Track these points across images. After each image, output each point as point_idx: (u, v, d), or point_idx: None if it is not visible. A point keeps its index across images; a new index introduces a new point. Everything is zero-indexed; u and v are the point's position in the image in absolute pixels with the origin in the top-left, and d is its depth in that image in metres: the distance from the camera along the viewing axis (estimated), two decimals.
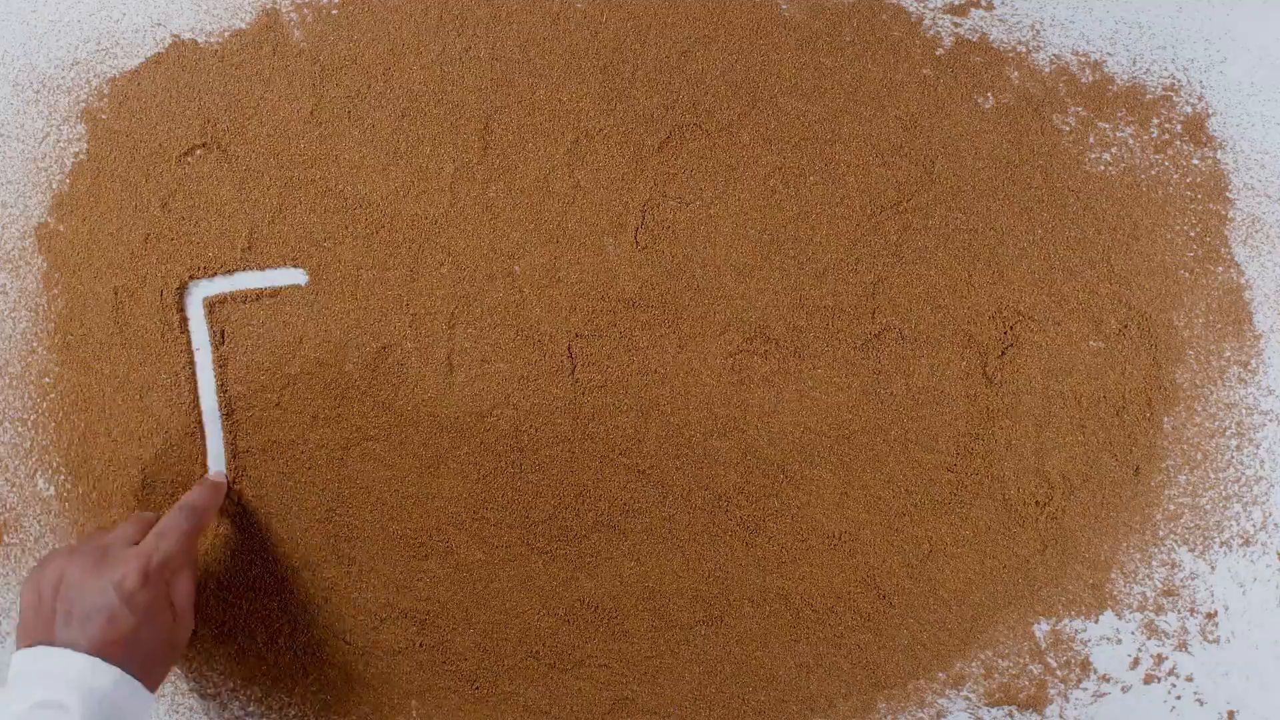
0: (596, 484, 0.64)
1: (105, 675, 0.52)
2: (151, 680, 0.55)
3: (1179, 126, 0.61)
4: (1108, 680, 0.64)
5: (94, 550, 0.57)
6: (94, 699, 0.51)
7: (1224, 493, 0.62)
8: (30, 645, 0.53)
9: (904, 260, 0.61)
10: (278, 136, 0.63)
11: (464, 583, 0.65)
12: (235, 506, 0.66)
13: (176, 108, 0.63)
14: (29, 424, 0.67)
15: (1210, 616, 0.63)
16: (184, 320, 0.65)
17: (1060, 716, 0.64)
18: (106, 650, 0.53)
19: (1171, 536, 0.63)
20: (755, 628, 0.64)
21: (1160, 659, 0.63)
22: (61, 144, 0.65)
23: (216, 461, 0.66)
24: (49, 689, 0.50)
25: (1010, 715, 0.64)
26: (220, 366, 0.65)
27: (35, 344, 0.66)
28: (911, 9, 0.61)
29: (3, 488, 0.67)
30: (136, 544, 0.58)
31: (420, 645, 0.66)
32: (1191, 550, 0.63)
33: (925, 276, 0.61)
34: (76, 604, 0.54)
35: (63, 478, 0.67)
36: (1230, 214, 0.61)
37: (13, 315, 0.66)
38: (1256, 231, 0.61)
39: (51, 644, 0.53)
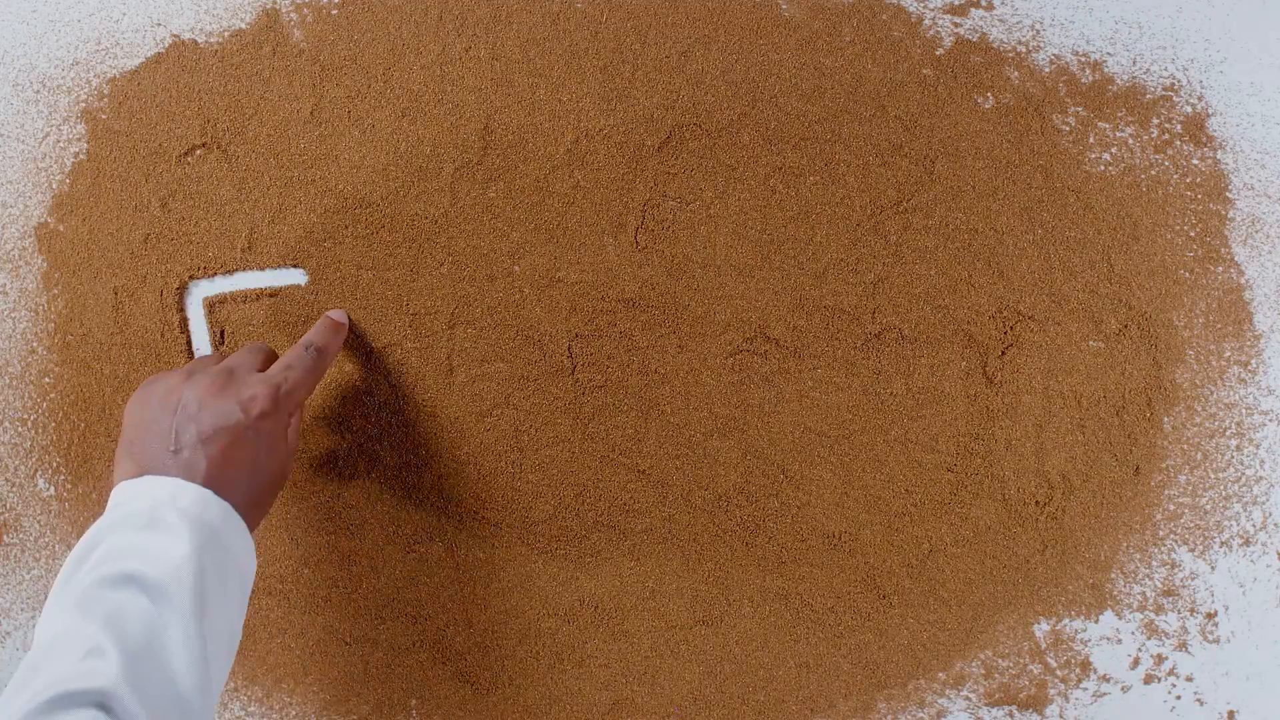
0: (596, 484, 0.64)
1: (215, 508, 0.49)
2: (253, 518, 0.52)
3: (1179, 126, 0.61)
4: (1108, 680, 0.64)
5: (218, 371, 0.54)
6: (204, 530, 0.48)
7: (1224, 493, 0.62)
8: (135, 475, 0.50)
9: (904, 260, 0.61)
10: (278, 136, 0.63)
11: (464, 583, 0.65)
12: None
13: (176, 108, 0.63)
14: (29, 424, 0.67)
15: (1210, 616, 0.63)
16: (184, 320, 0.65)
17: (1060, 716, 0.64)
18: (223, 475, 0.50)
19: (1171, 536, 0.63)
20: (755, 628, 0.64)
21: (1160, 659, 0.63)
22: (61, 144, 0.65)
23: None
24: (156, 516, 0.47)
25: (1010, 715, 0.64)
26: None
27: (35, 344, 0.66)
28: (911, 9, 0.61)
29: (3, 488, 0.67)
30: (259, 372, 0.56)
31: (420, 644, 0.66)
32: (1191, 550, 0.63)
33: (925, 276, 0.61)
34: (198, 423, 0.51)
35: (63, 478, 0.67)
36: (1230, 214, 0.61)
37: (13, 315, 0.66)
38: (1256, 231, 0.61)
39: (158, 473, 0.50)
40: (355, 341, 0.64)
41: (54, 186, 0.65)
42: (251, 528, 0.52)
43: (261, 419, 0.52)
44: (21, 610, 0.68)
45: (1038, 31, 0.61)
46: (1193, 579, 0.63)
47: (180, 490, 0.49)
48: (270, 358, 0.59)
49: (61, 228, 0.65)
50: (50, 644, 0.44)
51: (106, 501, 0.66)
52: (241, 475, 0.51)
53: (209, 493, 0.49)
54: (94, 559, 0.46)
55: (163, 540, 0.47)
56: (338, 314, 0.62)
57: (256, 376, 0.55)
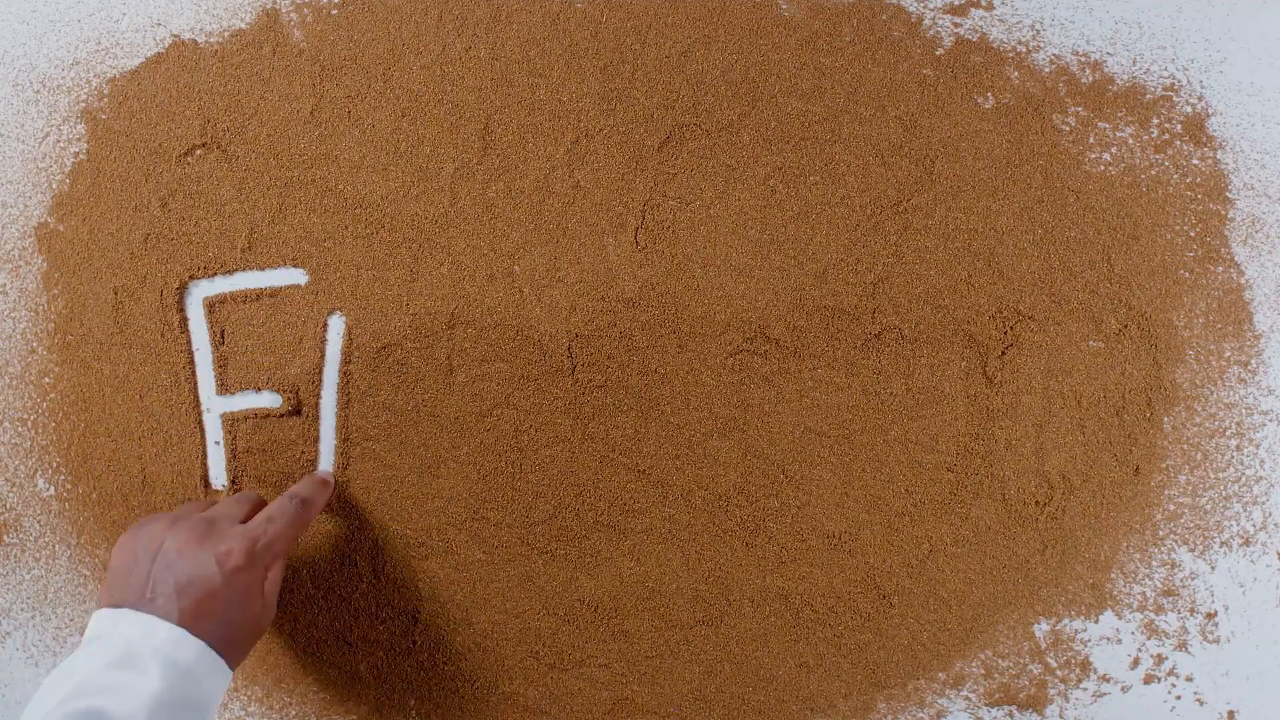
0: (596, 484, 0.64)
1: (189, 648, 0.50)
2: (231, 657, 0.53)
3: (1179, 126, 0.61)
4: (1108, 680, 0.64)
5: (199, 522, 0.55)
6: (175, 670, 0.49)
7: (1224, 493, 0.62)
8: (115, 606, 0.52)
9: (904, 260, 0.61)
10: (278, 136, 0.63)
11: (464, 583, 0.65)
12: None
13: (176, 108, 0.63)
14: (29, 424, 0.67)
15: (1210, 616, 0.63)
16: (184, 320, 0.65)
17: (1060, 716, 0.64)
18: (195, 624, 0.51)
19: (1171, 536, 0.63)
20: (755, 628, 0.64)
21: (1160, 659, 0.63)
22: (61, 144, 0.65)
23: (216, 463, 0.66)
24: (130, 652, 0.49)
25: (1010, 715, 0.64)
26: (220, 366, 0.65)
27: (35, 344, 0.66)
28: (911, 9, 0.61)
29: (3, 488, 0.67)
30: (242, 523, 0.57)
31: (420, 645, 0.66)
32: (1191, 550, 0.63)
33: (925, 276, 0.61)
34: (174, 571, 0.52)
35: (63, 478, 0.67)
36: (1230, 214, 0.61)
37: (13, 315, 0.66)
38: (1256, 231, 0.61)
39: (138, 609, 0.51)
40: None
41: (54, 186, 0.65)
42: (232, 666, 0.53)
43: (235, 573, 0.54)
44: (21, 610, 0.68)
45: (1038, 31, 0.61)
46: (1193, 579, 0.63)
47: (155, 628, 0.51)
48: (258, 506, 0.60)
49: (61, 228, 0.65)
50: None
51: (106, 501, 0.66)
52: (213, 625, 0.53)
53: (182, 632, 0.51)
54: (65, 690, 0.48)
55: (134, 680, 0.48)
56: (323, 473, 0.64)
57: (237, 529, 0.56)
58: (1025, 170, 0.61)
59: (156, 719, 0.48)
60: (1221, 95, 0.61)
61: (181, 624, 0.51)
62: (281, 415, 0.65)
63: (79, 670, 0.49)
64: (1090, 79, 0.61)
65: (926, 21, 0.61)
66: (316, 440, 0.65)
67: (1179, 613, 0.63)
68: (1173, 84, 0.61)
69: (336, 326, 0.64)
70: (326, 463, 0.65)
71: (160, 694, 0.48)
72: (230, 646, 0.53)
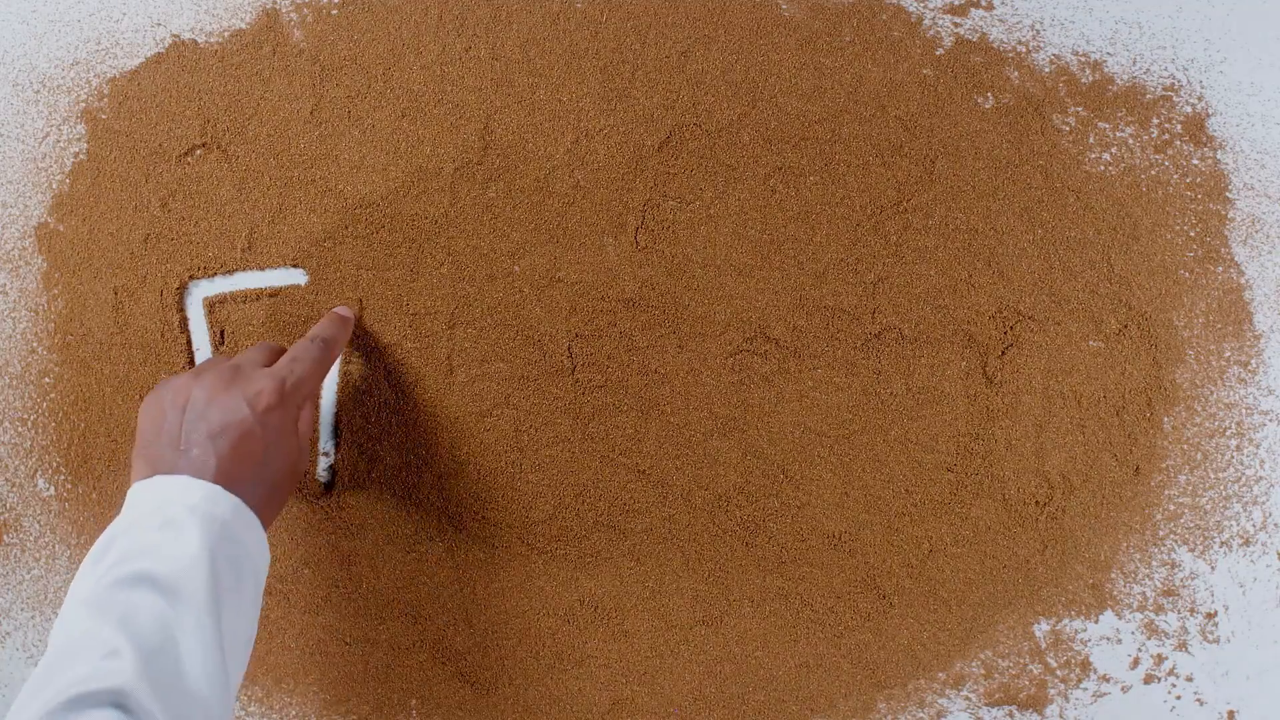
0: (596, 484, 0.64)
1: (224, 503, 0.49)
2: (267, 513, 0.52)
3: (1179, 126, 0.61)
4: (1108, 680, 0.64)
5: (225, 369, 0.54)
6: (214, 525, 0.48)
7: (1224, 493, 0.62)
8: (148, 476, 0.50)
9: (904, 260, 0.61)
10: (278, 136, 0.63)
11: (464, 583, 0.65)
12: None
13: (176, 108, 0.63)
14: (29, 424, 0.67)
15: (1210, 616, 0.63)
16: (184, 320, 0.65)
17: (1060, 716, 0.64)
18: (233, 470, 0.50)
19: (1171, 536, 0.63)
20: (755, 628, 0.64)
21: (1160, 659, 0.63)
22: (61, 144, 0.65)
23: None
24: (167, 513, 0.48)
25: (1010, 715, 0.64)
26: None
27: (35, 344, 0.66)
28: (911, 9, 0.61)
29: (3, 488, 0.67)
30: (268, 366, 0.56)
31: (420, 644, 0.66)
32: (1191, 550, 0.63)
33: (925, 276, 0.61)
34: (206, 420, 0.51)
35: (63, 478, 0.67)
36: (1230, 214, 0.61)
37: (13, 315, 0.66)
38: (1256, 231, 0.61)
39: (171, 473, 0.50)
40: (359, 339, 0.64)
41: (54, 186, 0.65)
42: (266, 523, 0.52)
43: (268, 413, 0.52)
44: (21, 610, 0.68)
45: (1038, 31, 0.61)
46: (1193, 579, 0.63)
47: (189, 488, 0.49)
48: (278, 354, 0.59)
49: (61, 228, 0.65)
50: (66, 646, 0.44)
51: (107, 501, 0.66)
52: (252, 470, 0.51)
53: (217, 488, 0.49)
54: (108, 560, 0.47)
55: (174, 538, 0.47)
56: (343, 309, 0.62)
57: (262, 371, 0.55)
58: (1025, 170, 0.61)
59: (210, 572, 0.46)
60: (1221, 95, 0.61)
61: (219, 473, 0.50)
62: None
63: (119, 538, 0.48)
64: (1090, 79, 0.61)
65: (926, 21, 0.61)
66: (317, 440, 0.65)
67: (1179, 613, 0.63)
68: (1173, 84, 0.61)
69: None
70: (324, 464, 0.65)
71: (204, 549, 0.47)
72: (268, 497, 0.52)
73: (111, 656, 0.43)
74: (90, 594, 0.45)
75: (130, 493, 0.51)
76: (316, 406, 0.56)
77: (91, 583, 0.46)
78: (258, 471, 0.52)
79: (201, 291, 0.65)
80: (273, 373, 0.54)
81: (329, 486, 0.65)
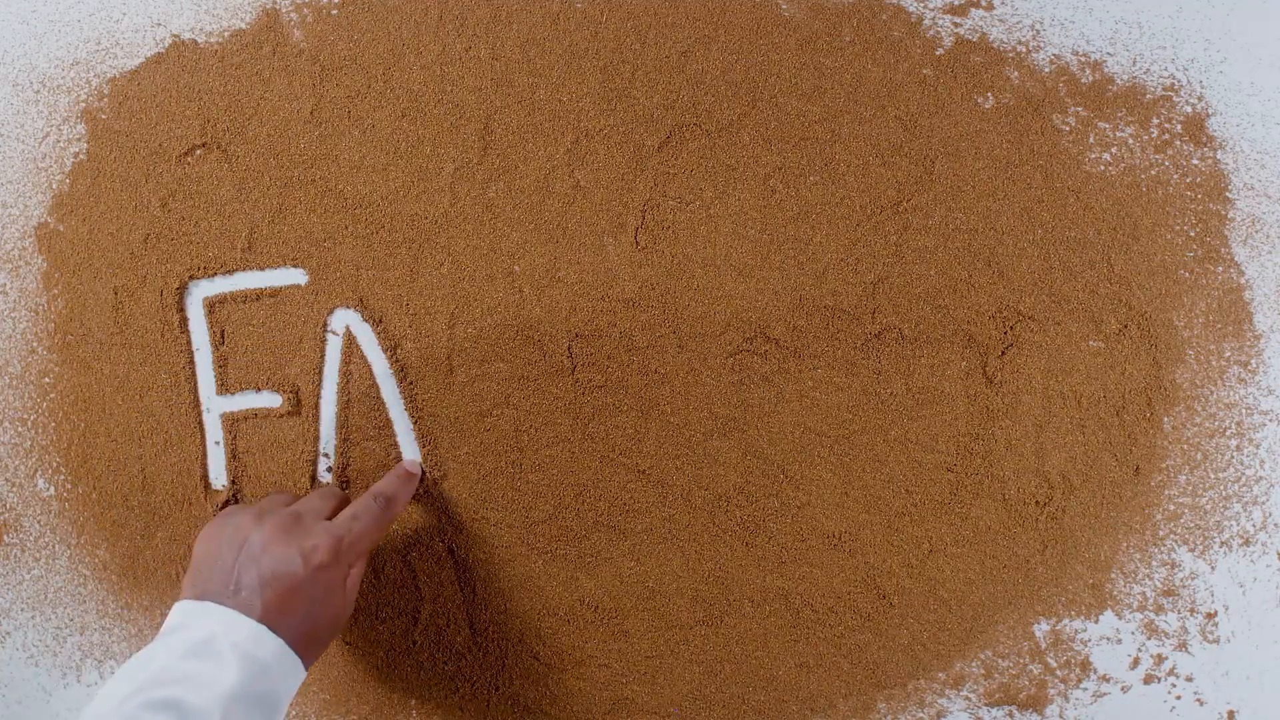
0: (596, 484, 0.64)
1: (269, 645, 0.50)
2: (306, 660, 0.53)
3: (1179, 126, 0.61)
4: (1108, 680, 0.64)
5: (286, 517, 0.55)
6: (254, 665, 0.49)
7: (1224, 493, 0.62)
8: (198, 599, 0.52)
9: (904, 260, 0.61)
10: (278, 136, 0.63)
11: (464, 582, 0.65)
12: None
13: (176, 108, 0.63)
14: (29, 424, 0.67)
15: (1210, 616, 0.63)
16: (184, 320, 0.65)
17: (1060, 716, 0.64)
18: (277, 619, 0.51)
19: (1171, 536, 0.63)
20: (755, 628, 0.64)
21: (1160, 659, 0.63)
22: (61, 144, 0.65)
23: (216, 463, 0.66)
24: (210, 644, 0.49)
25: (1010, 715, 0.64)
26: (220, 366, 0.65)
27: (35, 344, 0.66)
28: (911, 9, 0.61)
29: (3, 488, 0.68)
30: (327, 519, 0.57)
31: (420, 644, 0.66)
32: (1191, 550, 0.63)
33: (925, 276, 0.61)
34: (258, 565, 0.52)
35: (63, 478, 0.67)
36: (1230, 214, 0.61)
37: (13, 315, 0.66)
38: (1256, 231, 0.61)
39: (220, 602, 0.51)
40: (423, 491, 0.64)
41: (54, 186, 0.65)
42: (308, 664, 0.53)
43: (320, 570, 0.53)
44: (21, 610, 0.68)
45: (1038, 31, 0.61)
46: (1193, 579, 0.63)
47: (236, 624, 0.50)
48: (343, 502, 0.60)
49: (61, 228, 0.65)
50: None
51: (106, 501, 0.66)
52: (295, 621, 0.52)
53: (263, 629, 0.51)
54: (141, 679, 0.48)
55: (211, 671, 0.48)
56: (411, 465, 0.63)
57: (322, 525, 0.56)
58: (1025, 170, 0.61)
59: (231, 712, 0.48)
60: (1221, 95, 0.61)
61: (264, 618, 0.51)
62: (281, 415, 0.65)
63: (158, 659, 0.49)
64: (1090, 79, 0.61)
65: (926, 21, 0.61)
66: (316, 440, 0.65)
67: (1179, 613, 0.63)
68: (1173, 84, 0.61)
69: (336, 326, 0.64)
70: (324, 465, 0.65)
71: (236, 688, 0.48)
72: (308, 644, 0.53)
73: None
74: (120, 710, 0.47)
75: (177, 607, 0.52)
76: (366, 562, 0.57)
77: (124, 696, 0.47)
78: (300, 622, 0.53)
79: (201, 291, 0.65)
80: (331, 528, 0.55)
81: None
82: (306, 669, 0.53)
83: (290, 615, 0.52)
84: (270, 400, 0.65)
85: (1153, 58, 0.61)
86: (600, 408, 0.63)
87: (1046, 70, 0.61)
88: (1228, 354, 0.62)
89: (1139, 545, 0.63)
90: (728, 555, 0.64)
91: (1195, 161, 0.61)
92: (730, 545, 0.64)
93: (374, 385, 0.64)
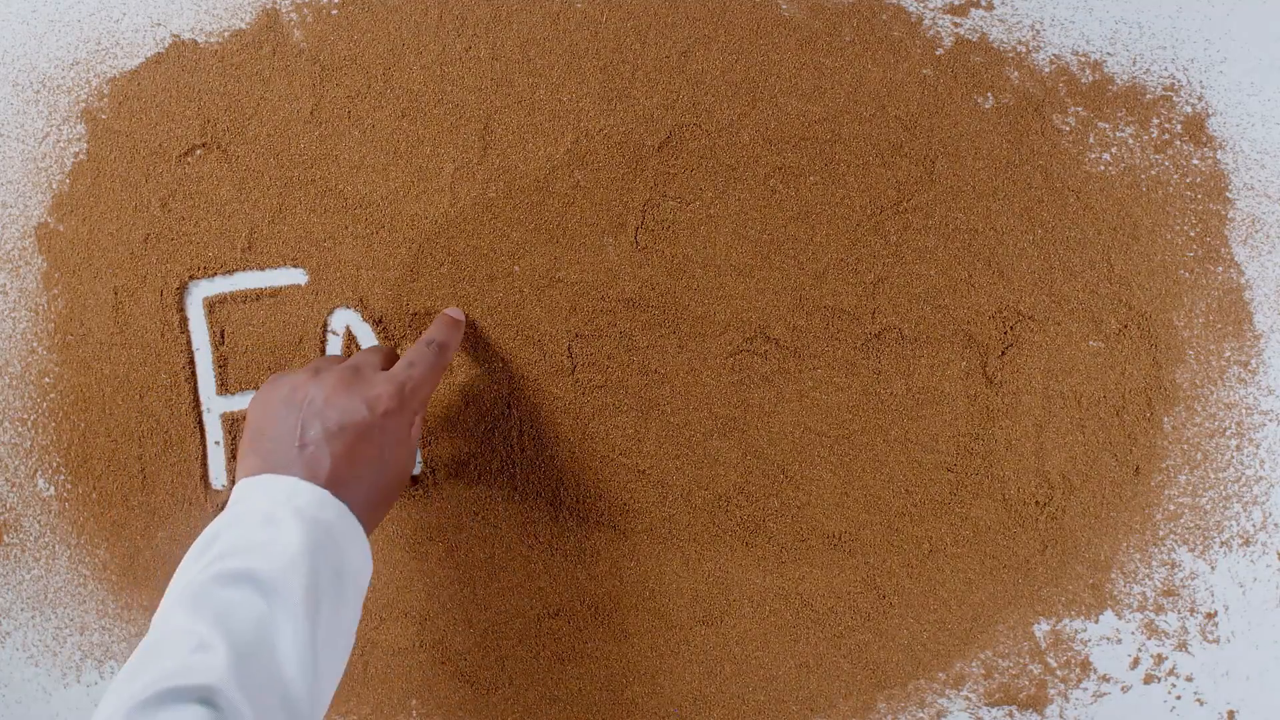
0: (596, 484, 0.64)
1: (331, 508, 0.49)
2: (373, 518, 0.52)
3: (1179, 126, 0.61)
4: (1108, 680, 0.64)
5: (344, 370, 0.54)
6: (317, 528, 0.48)
7: (1224, 493, 0.62)
8: (257, 472, 0.50)
9: (904, 260, 0.61)
10: (278, 136, 0.63)
11: (464, 583, 0.65)
12: None
13: (176, 108, 0.63)
14: (29, 424, 0.67)
15: (1210, 616, 0.63)
16: (184, 320, 0.65)
17: (1060, 716, 0.64)
18: (346, 472, 0.50)
19: (1171, 536, 0.63)
20: (755, 628, 0.64)
21: (1160, 659, 0.63)
22: (61, 144, 0.65)
23: (216, 463, 0.66)
24: (273, 512, 0.47)
25: (1010, 715, 0.64)
26: (220, 366, 0.65)
27: (35, 344, 0.66)
28: (911, 9, 0.61)
29: (3, 488, 0.68)
30: (385, 369, 0.56)
31: (420, 645, 0.66)
32: (1191, 550, 0.63)
33: (925, 276, 0.61)
34: (323, 419, 0.51)
35: (63, 478, 0.67)
36: (1230, 214, 0.61)
37: (13, 315, 0.66)
38: (1256, 231, 0.61)
39: (281, 470, 0.50)
40: (468, 340, 0.63)
41: (54, 186, 0.65)
42: (370, 528, 0.51)
43: (386, 416, 0.52)
44: (21, 610, 0.68)
45: (1038, 31, 0.61)
46: (1193, 579, 0.63)
47: (297, 489, 0.49)
48: (392, 357, 0.59)
49: (61, 228, 0.65)
50: (160, 639, 0.44)
51: (106, 501, 0.66)
52: (365, 473, 0.51)
53: (325, 493, 0.49)
54: (210, 555, 0.46)
55: (277, 538, 0.47)
56: (454, 311, 0.62)
57: (382, 375, 0.54)
58: (1025, 170, 0.61)
59: (304, 573, 0.46)
60: (1221, 95, 0.61)
61: (332, 472, 0.50)
62: None
63: (224, 533, 0.47)
64: (1090, 79, 0.61)
65: (926, 21, 0.61)
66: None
67: (1179, 613, 0.63)
68: (1173, 84, 0.61)
69: (336, 326, 0.64)
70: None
71: (305, 549, 0.46)
72: (375, 502, 0.52)
73: (204, 652, 0.42)
74: (188, 589, 0.45)
75: (237, 488, 0.51)
76: (425, 413, 0.56)
77: (191, 577, 0.46)
78: (370, 475, 0.51)
79: (201, 291, 0.65)
80: (391, 376, 0.54)
81: None
82: (369, 531, 0.51)
83: (360, 467, 0.51)
84: None
85: (1153, 58, 0.61)
86: (600, 408, 0.63)
87: (1046, 70, 0.61)
88: (1228, 354, 0.62)
89: (1139, 545, 0.63)
90: (728, 555, 0.64)
91: (1195, 161, 0.61)
92: (730, 545, 0.64)
93: None
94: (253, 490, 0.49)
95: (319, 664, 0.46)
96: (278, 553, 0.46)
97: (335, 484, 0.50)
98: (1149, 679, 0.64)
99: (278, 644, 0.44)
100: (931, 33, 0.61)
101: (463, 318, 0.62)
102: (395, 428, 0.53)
